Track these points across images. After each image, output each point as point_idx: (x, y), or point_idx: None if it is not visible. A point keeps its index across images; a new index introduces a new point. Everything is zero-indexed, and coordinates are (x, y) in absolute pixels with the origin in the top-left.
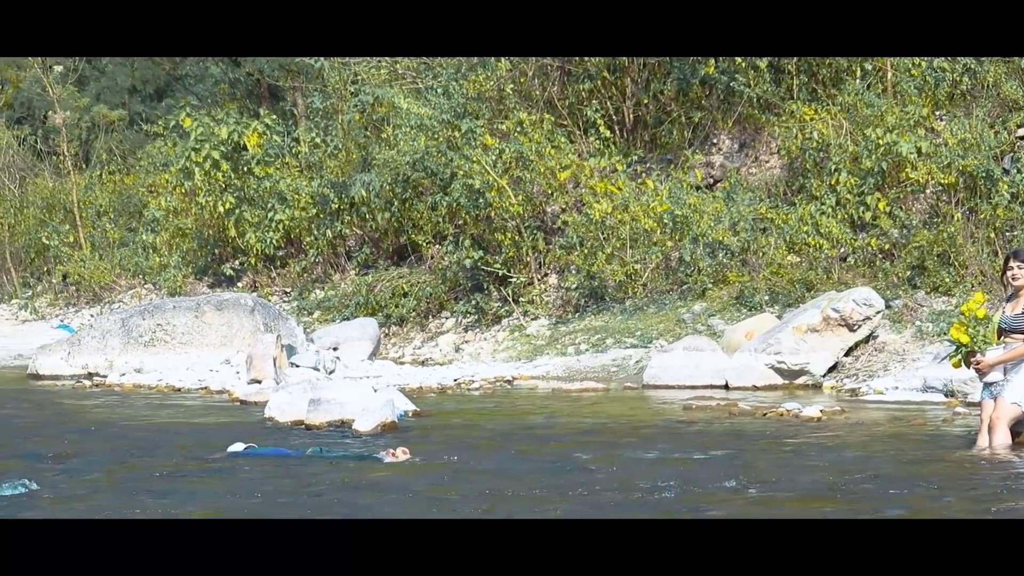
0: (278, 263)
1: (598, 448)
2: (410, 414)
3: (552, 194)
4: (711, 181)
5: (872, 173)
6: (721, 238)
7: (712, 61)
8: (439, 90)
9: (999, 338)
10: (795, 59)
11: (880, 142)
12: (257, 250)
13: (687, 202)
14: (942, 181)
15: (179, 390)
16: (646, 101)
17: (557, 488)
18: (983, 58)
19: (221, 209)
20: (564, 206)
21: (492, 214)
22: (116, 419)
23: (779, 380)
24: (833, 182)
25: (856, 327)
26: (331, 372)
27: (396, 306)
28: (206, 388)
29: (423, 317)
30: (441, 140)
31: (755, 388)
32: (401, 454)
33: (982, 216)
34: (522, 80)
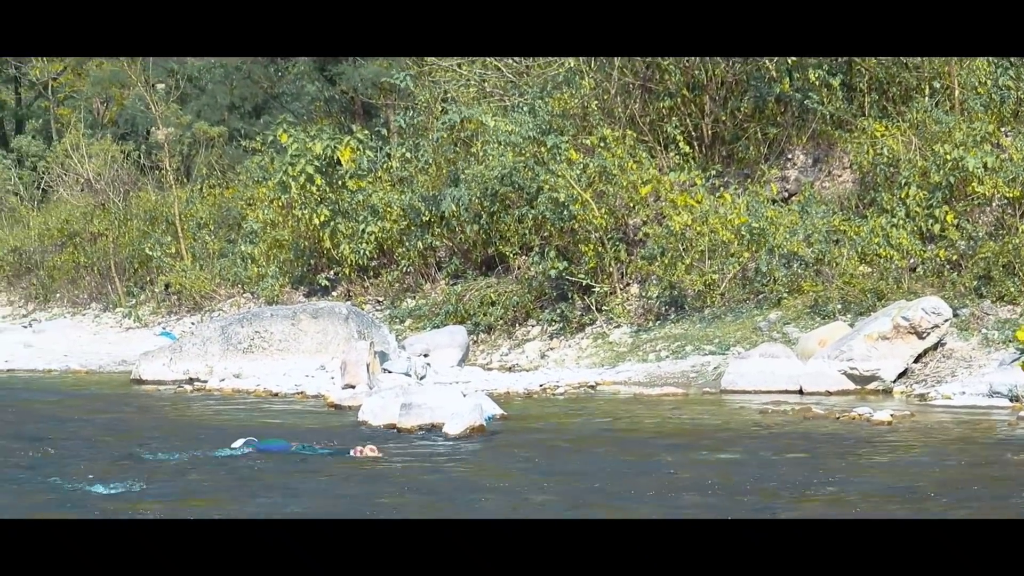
0: (371, 273)
1: (678, 450)
2: (498, 418)
3: (634, 207)
4: (786, 195)
5: (940, 187)
6: (796, 249)
7: (787, 80)
8: (525, 108)
9: None
10: (867, 77)
11: (948, 157)
12: (351, 261)
13: (763, 215)
14: (1007, 195)
15: (276, 395)
16: (724, 118)
17: (638, 488)
18: None
19: (316, 221)
20: (645, 218)
21: (576, 226)
22: (216, 422)
23: (851, 385)
24: (903, 196)
25: (925, 335)
26: (422, 378)
27: (484, 314)
28: (302, 393)
29: (510, 325)
30: (528, 156)
31: (828, 393)
32: (369, 451)
33: None
34: (605, 98)
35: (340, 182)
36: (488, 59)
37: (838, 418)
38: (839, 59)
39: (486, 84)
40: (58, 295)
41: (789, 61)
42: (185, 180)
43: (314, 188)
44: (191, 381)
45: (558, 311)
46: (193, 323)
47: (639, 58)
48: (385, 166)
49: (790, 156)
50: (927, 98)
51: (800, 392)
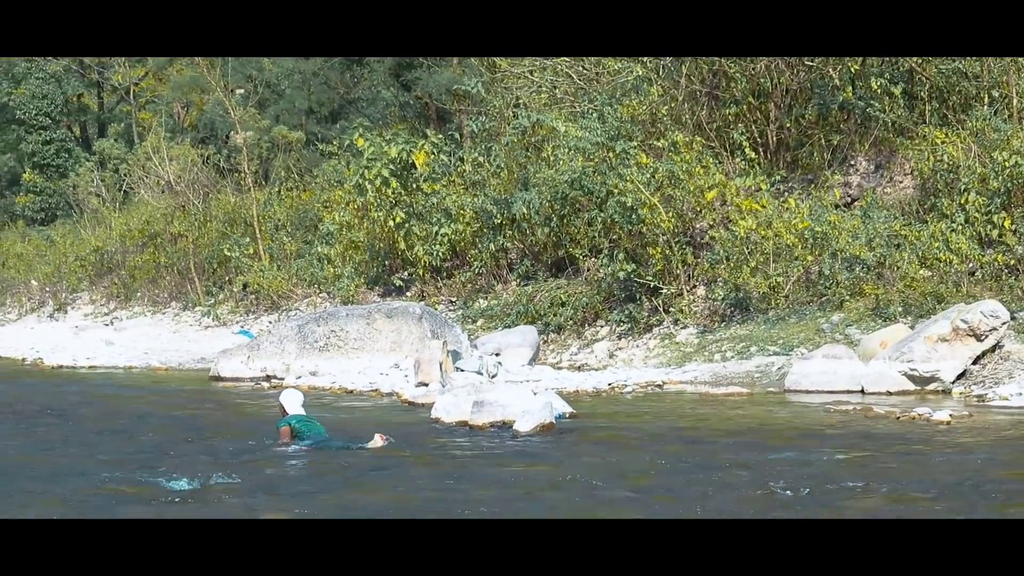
0: (444, 274)
1: (741, 449)
2: (567, 415)
3: (700, 211)
4: (849, 200)
5: (999, 193)
6: (858, 253)
7: (850, 88)
8: (594, 114)
9: None
10: (927, 86)
11: (1006, 164)
12: (425, 262)
13: (826, 219)
14: None
15: (351, 392)
16: (788, 125)
17: (702, 485)
18: None
19: (391, 223)
20: (712, 222)
21: (644, 229)
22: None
23: (911, 386)
24: (962, 201)
25: (983, 337)
26: (493, 376)
27: (554, 315)
28: (376, 390)
29: (580, 325)
30: (597, 160)
31: (889, 393)
32: (380, 439)
33: None
34: (673, 104)
35: (415, 185)
36: (559, 66)
37: (898, 418)
38: (901, 68)
39: (557, 91)
40: (139, 294)
41: (852, 69)
42: (263, 183)
43: (389, 191)
44: (268, 378)
45: (626, 312)
46: (270, 322)
47: (706, 66)
48: (458, 170)
49: (853, 162)
50: (986, 107)
51: (862, 392)
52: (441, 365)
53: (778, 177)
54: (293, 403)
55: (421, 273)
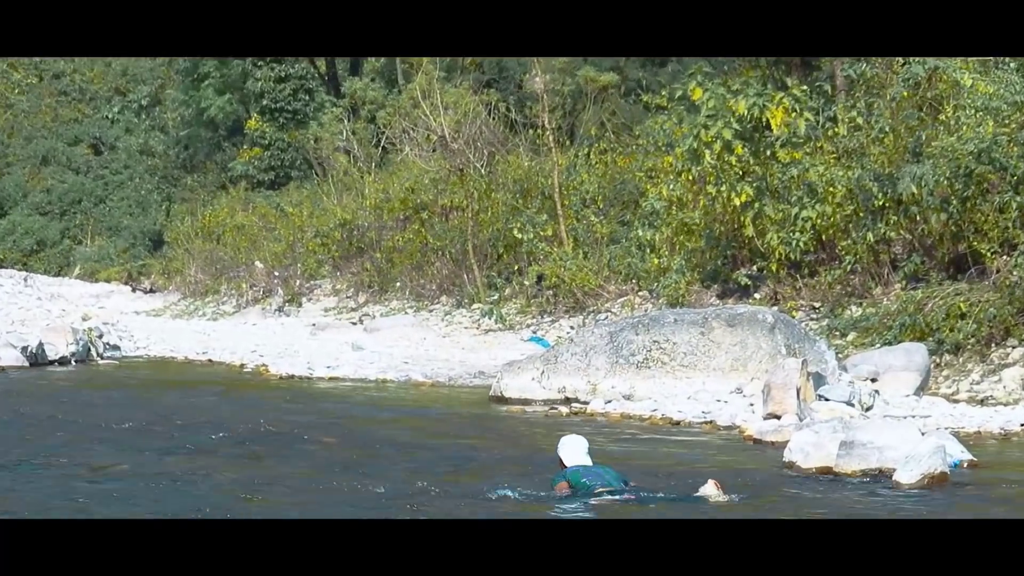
0: (805, 271)
1: None
2: (965, 464)
3: None
4: None
5: None
6: None
7: None
8: (1012, 65)
9: None
10: None
11: None
12: (780, 254)
13: None
14: None
15: (678, 423)
16: None
17: None
18: None
19: (736, 202)
20: None
21: None
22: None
23: None
24: None
25: None
26: (867, 408)
27: (950, 330)
28: (711, 422)
29: (984, 345)
30: (1013, 126)
31: None
32: (713, 487)
33: None
34: None
35: (768, 152)
36: None
37: None
38: None
39: None
40: (398, 284)
41: None
42: (567, 142)
43: (734, 159)
44: (567, 401)
45: None
46: (573, 327)
47: None
48: (828, 133)
49: None
50: None
51: None
52: (799, 392)
53: None
54: (574, 453)
55: (775, 269)
